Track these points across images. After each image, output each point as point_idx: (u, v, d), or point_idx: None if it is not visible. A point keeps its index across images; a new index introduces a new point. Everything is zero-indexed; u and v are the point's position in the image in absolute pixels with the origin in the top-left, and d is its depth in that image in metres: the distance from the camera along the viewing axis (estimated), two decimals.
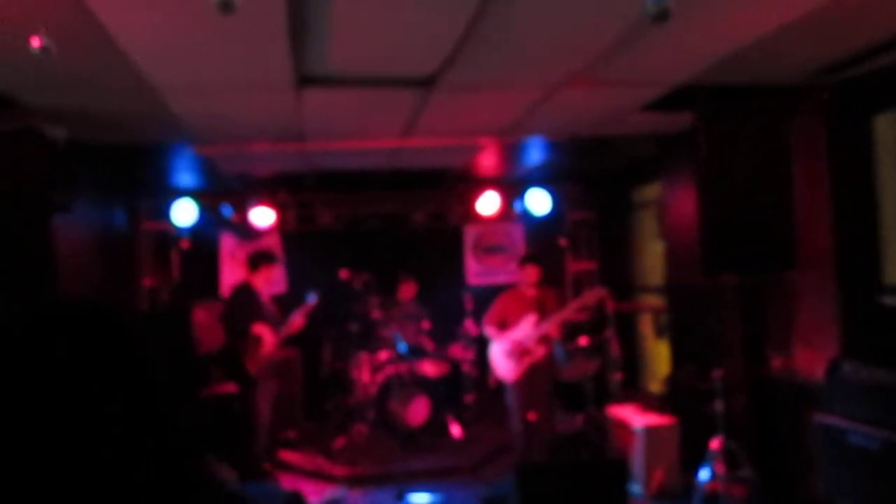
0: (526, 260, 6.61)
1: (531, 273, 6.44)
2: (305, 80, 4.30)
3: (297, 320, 6.67)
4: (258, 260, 6.71)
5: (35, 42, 2.98)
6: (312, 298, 6.81)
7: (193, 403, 7.01)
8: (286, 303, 7.28)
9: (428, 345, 8.12)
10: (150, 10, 3.17)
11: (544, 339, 6.30)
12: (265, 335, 6.42)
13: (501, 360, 6.44)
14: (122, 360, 1.23)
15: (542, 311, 6.31)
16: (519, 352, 6.32)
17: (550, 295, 6.51)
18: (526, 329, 6.29)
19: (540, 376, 6.33)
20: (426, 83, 4.43)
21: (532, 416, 6.30)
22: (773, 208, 4.76)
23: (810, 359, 5.20)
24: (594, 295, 6.45)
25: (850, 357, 4.61)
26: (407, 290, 8.48)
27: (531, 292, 6.44)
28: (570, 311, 6.33)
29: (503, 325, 6.47)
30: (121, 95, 4.56)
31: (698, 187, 4.82)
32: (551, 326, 6.25)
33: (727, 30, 3.77)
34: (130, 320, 1.31)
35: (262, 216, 8.19)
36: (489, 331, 6.57)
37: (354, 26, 3.50)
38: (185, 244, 8.46)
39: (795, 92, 4.97)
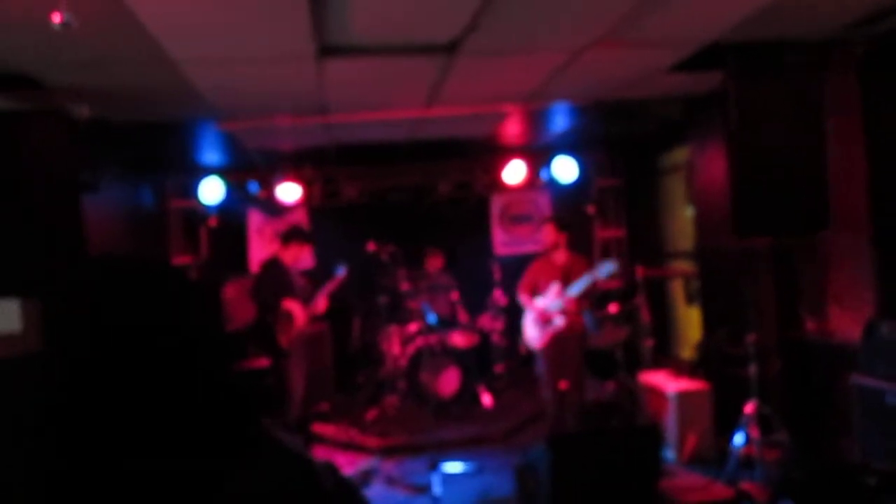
0: (543, 220, 6.56)
1: (546, 233, 6.36)
2: (327, 50, 4.26)
3: (323, 298, 6.70)
4: (292, 235, 6.73)
5: (56, 18, 2.97)
6: (342, 271, 6.83)
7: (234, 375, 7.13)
8: (314, 277, 7.31)
9: (459, 315, 8.13)
10: None
11: (567, 311, 6.17)
12: (295, 310, 6.46)
13: (530, 327, 6.43)
14: (184, 318, 1.24)
15: (567, 280, 6.19)
16: (543, 320, 6.28)
17: (579, 263, 6.36)
18: (550, 297, 6.24)
19: (568, 345, 6.25)
20: (449, 49, 4.36)
21: (563, 384, 6.26)
22: (805, 167, 4.65)
23: (846, 320, 5.12)
24: (606, 269, 6.10)
25: (887, 317, 4.53)
26: (434, 262, 8.48)
27: (560, 259, 6.34)
28: (585, 288, 6.07)
29: (535, 292, 6.42)
30: (143, 72, 4.56)
31: (729, 147, 4.72)
32: (569, 301, 6.11)
33: None
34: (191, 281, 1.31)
35: (289, 192, 8.21)
36: (522, 298, 6.53)
37: None
38: (213, 221, 8.53)
39: (828, 47, 4.83)
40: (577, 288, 6.07)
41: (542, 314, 6.29)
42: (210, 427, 1.19)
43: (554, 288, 6.22)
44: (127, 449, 1.13)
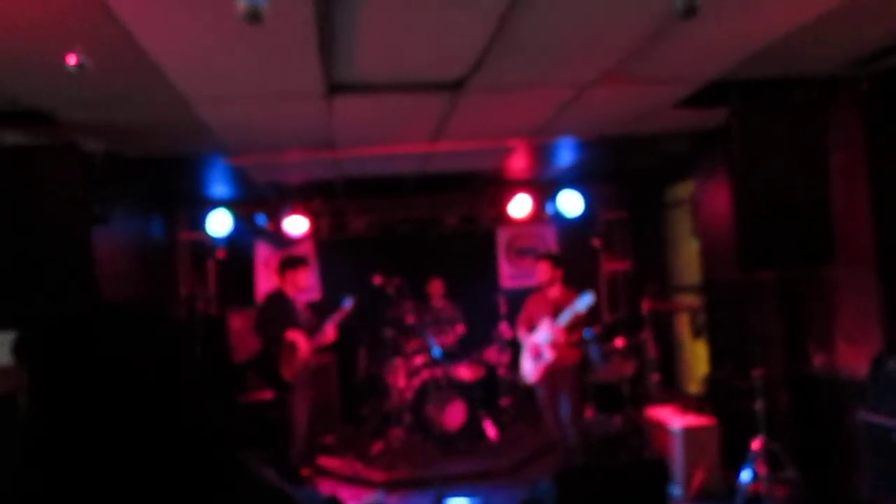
0: (537, 257, 6.60)
1: (542, 270, 6.43)
2: (335, 88, 4.33)
3: (332, 327, 6.72)
4: (284, 265, 6.78)
5: (71, 60, 3.04)
6: (348, 303, 6.85)
7: (231, 407, 7.11)
8: (322, 310, 7.33)
9: (462, 349, 8.12)
10: (183, 25, 3.23)
11: (556, 344, 6.19)
12: (299, 342, 6.47)
13: (526, 361, 6.51)
14: (160, 361, 1.25)
15: (557, 314, 6.22)
16: (535, 354, 6.33)
17: (570, 297, 6.30)
18: (542, 331, 6.27)
19: (561, 378, 6.28)
20: (455, 86, 4.43)
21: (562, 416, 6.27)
22: (809, 202, 4.68)
23: (853, 355, 5.10)
24: (584, 302, 6.07)
25: (894, 353, 4.51)
26: (435, 289, 8.49)
27: (553, 294, 6.39)
28: (569, 320, 6.10)
29: (531, 327, 6.46)
30: (155, 109, 4.63)
31: (733, 182, 4.76)
32: (558, 332, 6.14)
33: (759, 22, 3.71)
34: (170, 323, 1.32)
35: (296, 224, 8.26)
36: (519, 333, 6.58)
37: (382, 33, 3.52)
38: (221, 254, 8.57)
39: (831, 83, 4.88)
40: (561, 321, 6.12)
41: (534, 348, 6.37)
42: (189, 463, 1.21)
43: (545, 322, 6.26)
44: (108, 486, 1.14)
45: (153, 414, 1.19)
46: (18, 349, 1.21)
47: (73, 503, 1.14)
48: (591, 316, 6.39)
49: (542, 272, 6.45)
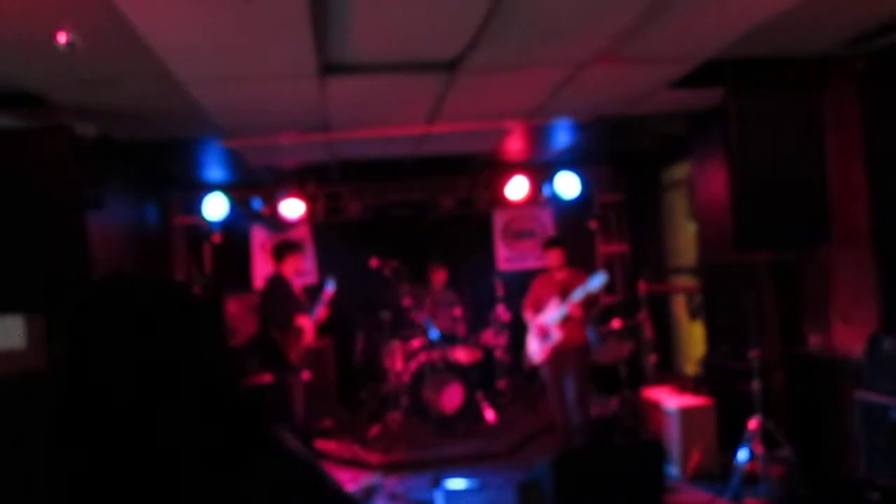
0: (548, 244, 6.57)
1: (554, 256, 6.41)
2: (329, 68, 4.30)
3: (321, 309, 6.75)
4: (282, 250, 6.76)
5: (61, 38, 3.01)
6: (331, 286, 6.87)
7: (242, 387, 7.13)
8: (316, 293, 7.33)
9: (460, 331, 8.12)
10: (175, 4, 3.19)
11: (565, 323, 6.19)
12: (305, 325, 6.50)
13: (532, 342, 6.49)
14: (189, 331, 1.26)
15: (565, 294, 6.21)
16: (542, 335, 6.32)
17: (577, 277, 6.32)
18: (550, 312, 6.26)
19: (567, 358, 6.27)
20: (450, 66, 4.40)
21: (567, 397, 6.26)
22: (805, 181, 4.67)
23: (849, 335, 5.10)
24: (597, 282, 6.02)
25: (890, 332, 4.52)
26: (438, 277, 8.48)
27: (560, 275, 6.38)
28: (581, 299, 6.05)
29: (538, 309, 6.45)
30: (148, 90, 4.60)
31: (729, 162, 4.74)
32: (573, 307, 6.11)
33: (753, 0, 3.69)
34: (193, 294, 1.33)
35: (292, 208, 8.23)
36: (526, 314, 6.57)
37: (376, 11, 3.49)
38: (216, 238, 8.55)
39: (827, 62, 4.86)
40: (574, 298, 6.09)
41: (540, 328, 6.34)
42: (218, 436, 1.20)
43: (553, 303, 6.25)
44: (133, 458, 1.14)
45: (186, 383, 1.19)
46: (59, 327, 1.21)
47: (98, 479, 1.14)
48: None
49: (555, 258, 6.41)
